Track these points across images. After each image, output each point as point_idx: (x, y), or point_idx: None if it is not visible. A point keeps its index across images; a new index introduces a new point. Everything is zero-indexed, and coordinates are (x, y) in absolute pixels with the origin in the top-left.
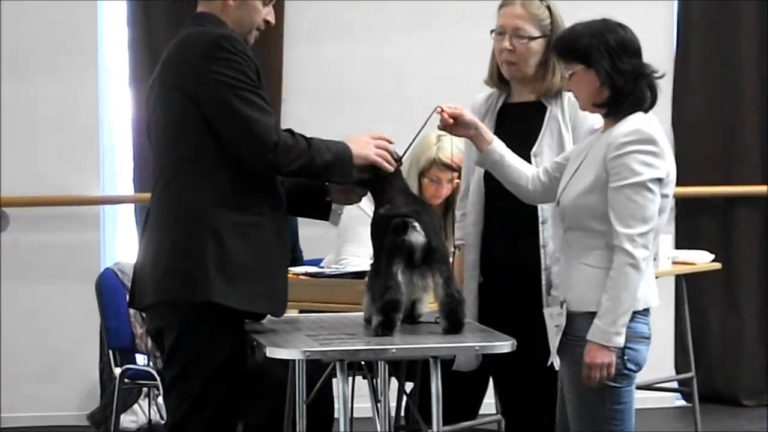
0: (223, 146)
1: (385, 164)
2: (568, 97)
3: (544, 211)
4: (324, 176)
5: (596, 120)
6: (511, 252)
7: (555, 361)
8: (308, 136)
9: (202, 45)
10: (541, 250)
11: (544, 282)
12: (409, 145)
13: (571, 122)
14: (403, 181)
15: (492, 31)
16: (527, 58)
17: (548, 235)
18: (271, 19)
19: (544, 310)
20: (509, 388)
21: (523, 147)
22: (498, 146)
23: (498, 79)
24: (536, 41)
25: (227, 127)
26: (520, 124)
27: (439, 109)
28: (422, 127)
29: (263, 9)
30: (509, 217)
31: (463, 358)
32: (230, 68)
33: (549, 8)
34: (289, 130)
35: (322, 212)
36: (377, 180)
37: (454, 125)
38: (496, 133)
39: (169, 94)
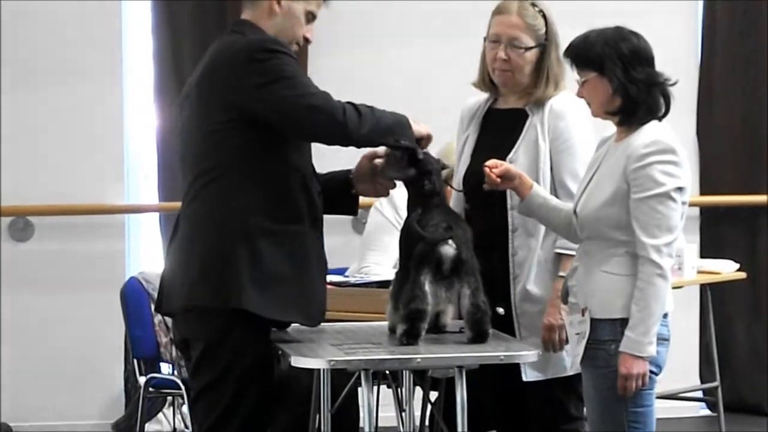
0: (297, 137)
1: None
2: (551, 106)
3: (515, 219)
4: (390, 138)
5: (590, 133)
6: (483, 263)
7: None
8: None
9: (244, 51)
10: (510, 259)
11: (512, 291)
12: None
13: (551, 133)
14: (442, 193)
15: (485, 38)
16: (522, 67)
17: (518, 244)
18: (311, 36)
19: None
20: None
21: (502, 153)
22: (539, 190)
23: (490, 83)
24: (531, 51)
25: (293, 122)
26: (501, 131)
27: (487, 170)
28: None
29: (305, 25)
30: (483, 228)
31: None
32: (275, 66)
33: (544, 15)
34: (348, 102)
35: (349, 206)
36: (419, 186)
37: (501, 180)
38: (478, 137)
39: (210, 103)
